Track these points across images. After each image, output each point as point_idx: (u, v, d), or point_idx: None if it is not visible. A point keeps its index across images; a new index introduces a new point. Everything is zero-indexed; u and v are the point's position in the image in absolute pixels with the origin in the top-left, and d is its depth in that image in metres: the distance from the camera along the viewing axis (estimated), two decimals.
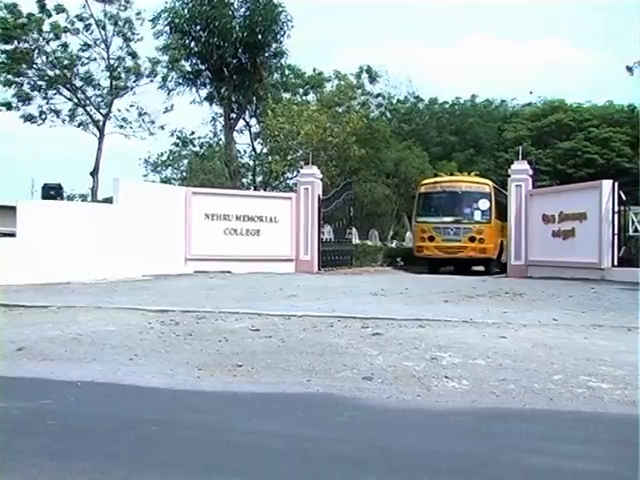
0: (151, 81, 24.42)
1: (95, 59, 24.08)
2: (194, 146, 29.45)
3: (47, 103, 24.30)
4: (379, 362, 5.05)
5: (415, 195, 21.18)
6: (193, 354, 5.41)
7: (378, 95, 34.39)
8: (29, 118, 24.24)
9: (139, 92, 24.72)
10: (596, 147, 35.14)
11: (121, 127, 25.32)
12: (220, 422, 3.76)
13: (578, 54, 64.93)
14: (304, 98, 30.04)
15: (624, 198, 13.30)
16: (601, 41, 69.98)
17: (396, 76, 36.63)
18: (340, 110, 25.97)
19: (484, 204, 18.74)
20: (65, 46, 23.54)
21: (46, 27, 23.04)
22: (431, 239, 19.02)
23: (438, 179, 20.74)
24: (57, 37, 23.20)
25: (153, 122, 25.48)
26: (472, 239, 18.49)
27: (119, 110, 25.14)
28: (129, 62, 24.22)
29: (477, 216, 18.70)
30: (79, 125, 24.90)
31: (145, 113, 25.21)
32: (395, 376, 4.66)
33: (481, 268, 19.78)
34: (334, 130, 23.47)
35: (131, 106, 25.08)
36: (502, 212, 19.17)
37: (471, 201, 18.99)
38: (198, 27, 24.72)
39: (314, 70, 32.04)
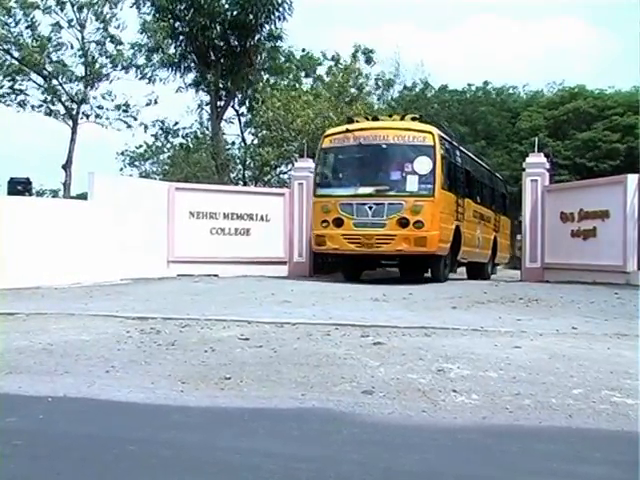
0: (127, 70, 24.24)
1: (66, 44, 23.91)
2: (177, 137, 29.40)
3: (12, 88, 24.12)
4: (381, 374, 5.05)
5: (316, 154, 15.37)
6: (176, 366, 5.39)
7: (378, 79, 34.34)
8: None
9: (118, 77, 24.61)
10: (618, 134, 35.12)
11: (97, 116, 25.22)
12: (206, 440, 3.75)
13: (596, 34, 65.17)
14: (297, 85, 30.05)
15: None
16: (621, 18, 69.99)
17: (395, 58, 36.74)
18: (343, 98, 25.92)
19: (424, 165, 13.50)
20: (33, 26, 23.37)
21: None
22: (338, 223, 13.73)
23: (351, 126, 14.70)
24: (25, 14, 22.98)
25: (135, 119, 25.37)
26: (403, 223, 13.25)
27: (94, 98, 25.05)
28: (109, 47, 24.09)
29: (412, 185, 13.50)
30: (49, 113, 24.75)
31: (126, 107, 25.07)
32: (398, 390, 4.65)
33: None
34: (334, 120, 23.47)
35: (108, 94, 24.93)
36: (456, 179, 15.01)
37: (403, 160, 13.82)
38: (183, 5, 24.65)
39: (304, 50, 31.91)
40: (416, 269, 15.45)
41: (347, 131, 14.40)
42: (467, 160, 16.74)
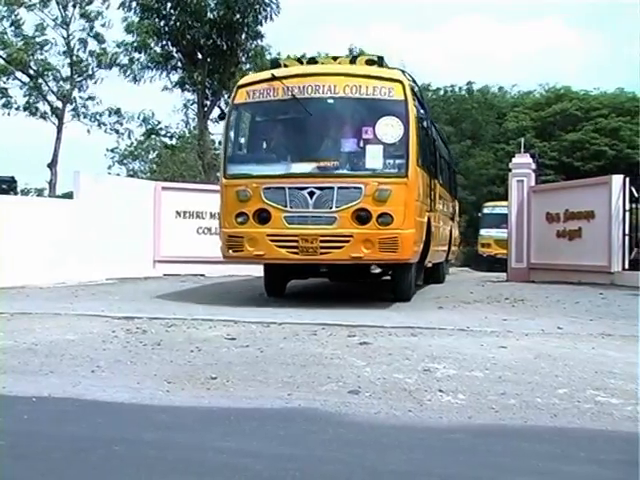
0: (110, 68, 24.08)
1: (51, 42, 23.76)
2: (164, 136, 29.33)
3: None
4: (367, 374, 5.05)
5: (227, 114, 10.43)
6: (162, 365, 5.38)
7: None
8: None
9: (103, 77, 24.49)
10: (605, 138, 35.42)
11: (84, 116, 25.09)
12: (192, 440, 3.74)
13: (579, 35, 65.49)
14: None
15: (636, 195, 13.39)
16: (604, 20, 70.40)
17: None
18: None
19: (392, 130, 9.30)
20: (18, 24, 23.21)
21: None
22: (262, 218, 9.34)
23: (279, 72, 9.89)
24: (9, 10, 22.81)
25: (122, 124, 25.27)
26: (363, 217, 9.09)
27: (81, 98, 24.93)
28: (94, 46, 23.96)
29: (374, 159, 9.30)
30: (34, 112, 24.58)
31: (117, 112, 24.96)
32: (384, 389, 4.66)
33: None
34: None
35: (97, 98, 24.81)
36: (428, 151, 11.06)
37: (360, 123, 9.62)
38: (168, 4, 24.58)
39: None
40: (353, 276, 11.46)
41: (273, 78, 9.65)
42: (432, 124, 12.37)
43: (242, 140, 10.48)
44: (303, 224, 9.20)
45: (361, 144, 9.45)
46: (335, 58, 10.54)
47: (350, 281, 11.88)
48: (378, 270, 11.25)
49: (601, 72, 66.07)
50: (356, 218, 9.08)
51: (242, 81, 10.37)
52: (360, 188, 9.09)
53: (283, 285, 10.90)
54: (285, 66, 10.26)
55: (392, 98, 9.38)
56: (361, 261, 9.42)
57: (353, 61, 10.29)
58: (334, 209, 9.11)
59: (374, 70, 9.81)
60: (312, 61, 10.69)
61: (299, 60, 10.74)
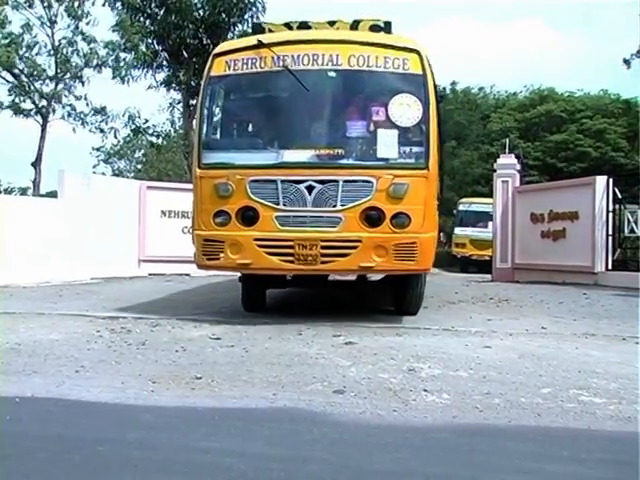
0: (100, 70, 23.96)
1: (38, 42, 23.61)
2: (150, 135, 29.24)
3: None
4: (352, 374, 5.06)
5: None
6: (146, 365, 5.36)
7: None
8: None
9: (89, 76, 24.37)
10: (590, 140, 35.64)
11: (69, 115, 24.96)
12: (176, 441, 3.73)
13: (563, 36, 65.84)
14: None
15: (619, 196, 13.47)
16: (590, 21, 70.81)
17: None
18: None
19: (408, 111, 7.63)
20: (3, 23, 23.05)
21: None
22: (247, 218, 7.60)
23: (266, 37, 8.10)
24: None
25: (106, 122, 25.16)
26: (374, 218, 7.46)
27: (66, 96, 24.81)
28: (81, 45, 23.81)
29: (387, 147, 7.61)
30: (19, 111, 24.42)
31: (102, 111, 24.84)
32: (369, 389, 4.66)
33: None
34: None
35: (84, 98, 24.70)
36: (442, 136, 9.12)
37: (369, 102, 7.98)
38: (153, 4, 24.52)
39: None
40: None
41: (260, 45, 7.89)
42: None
43: (221, 121, 8.59)
44: (300, 226, 7.53)
45: (371, 128, 7.79)
46: (332, 23, 8.52)
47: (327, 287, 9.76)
48: (375, 278, 9.53)
49: (587, 74, 66.49)
50: (366, 219, 7.47)
51: (219, 48, 8.40)
52: (371, 182, 7.45)
53: (263, 297, 8.85)
54: (270, 31, 8.38)
55: (408, 71, 7.71)
56: (371, 271, 7.99)
57: (355, 26, 8.31)
58: (339, 208, 7.48)
59: (385, 37, 8.03)
60: (304, 26, 8.49)
61: (287, 25, 8.52)
